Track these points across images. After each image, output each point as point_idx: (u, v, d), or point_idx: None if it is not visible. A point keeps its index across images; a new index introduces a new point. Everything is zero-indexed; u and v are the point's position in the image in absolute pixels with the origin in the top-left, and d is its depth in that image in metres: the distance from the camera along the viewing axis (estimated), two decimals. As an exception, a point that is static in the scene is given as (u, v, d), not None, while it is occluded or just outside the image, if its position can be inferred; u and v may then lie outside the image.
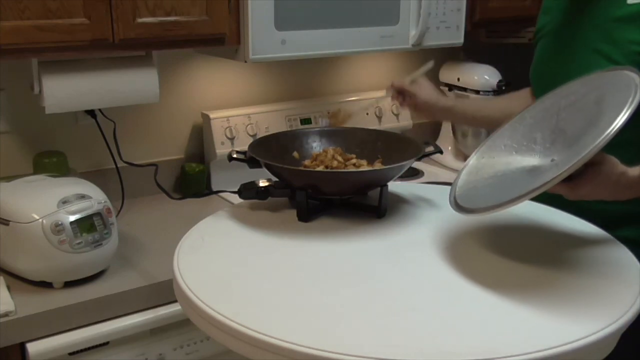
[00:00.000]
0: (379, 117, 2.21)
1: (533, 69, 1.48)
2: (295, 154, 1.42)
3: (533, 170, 1.06)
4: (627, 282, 1.04)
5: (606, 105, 1.03)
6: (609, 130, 0.95)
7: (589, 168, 1.04)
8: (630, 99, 0.98)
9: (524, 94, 1.58)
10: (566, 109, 1.14)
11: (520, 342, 0.88)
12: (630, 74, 1.06)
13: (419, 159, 1.33)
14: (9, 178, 1.48)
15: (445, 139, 2.37)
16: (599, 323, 0.92)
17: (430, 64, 1.64)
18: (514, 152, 1.15)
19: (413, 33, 1.92)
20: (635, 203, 1.16)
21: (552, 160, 1.03)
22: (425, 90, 1.59)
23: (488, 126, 1.63)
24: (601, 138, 0.95)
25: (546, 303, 0.99)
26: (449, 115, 1.70)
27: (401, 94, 1.59)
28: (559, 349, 0.86)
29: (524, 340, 0.88)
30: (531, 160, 1.10)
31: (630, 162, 1.10)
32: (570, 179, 1.03)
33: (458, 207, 1.09)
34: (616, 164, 1.08)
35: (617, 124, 0.96)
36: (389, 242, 1.21)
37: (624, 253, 1.15)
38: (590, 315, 0.95)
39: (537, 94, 1.41)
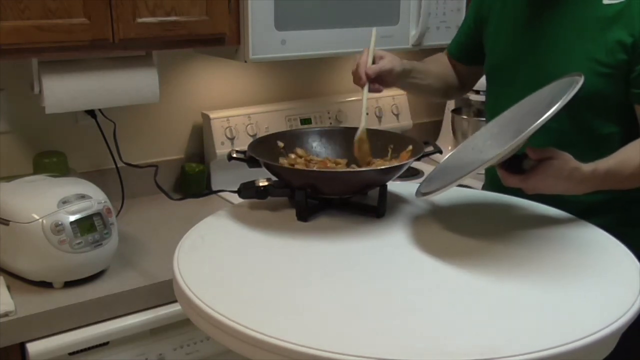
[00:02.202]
0: (379, 117, 2.21)
1: (490, 63, 1.51)
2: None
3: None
4: (627, 282, 1.04)
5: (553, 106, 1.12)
6: (539, 121, 1.04)
7: (541, 162, 1.16)
8: (565, 95, 1.08)
9: (444, 59, 1.64)
10: (527, 114, 1.24)
11: (520, 342, 0.88)
12: (577, 78, 1.15)
13: (419, 159, 1.33)
14: (9, 178, 1.48)
15: (445, 139, 2.38)
16: (599, 323, 0.92)
17: (374, 31, 1.41)
18: (480, 152, 1.27)
19: (413, 33, 1.92)
20: (605, 192, 1.24)
21: None
22: (389, 59, 1.39)
23: (430, 89, 1.56)
24: (532, 127, 1.04)
25: (546, 303, 0.99)
26: (408, 77, 1.47)
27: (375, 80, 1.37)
28: (559, 349, 0.86)
29: (524, 340, 0.88)
30: (489, 155, 1.18)
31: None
32: (523, 172, 1.16)
33: (419, 193, 1.23)
34: (569, 160, 1.17)
35: (549, 114, 1.04)
36: (389, 242, 1.21)
37: (624, 254, 1.15)
38: (590, 315, 0.95)
39: (492, 87, 1.52)
